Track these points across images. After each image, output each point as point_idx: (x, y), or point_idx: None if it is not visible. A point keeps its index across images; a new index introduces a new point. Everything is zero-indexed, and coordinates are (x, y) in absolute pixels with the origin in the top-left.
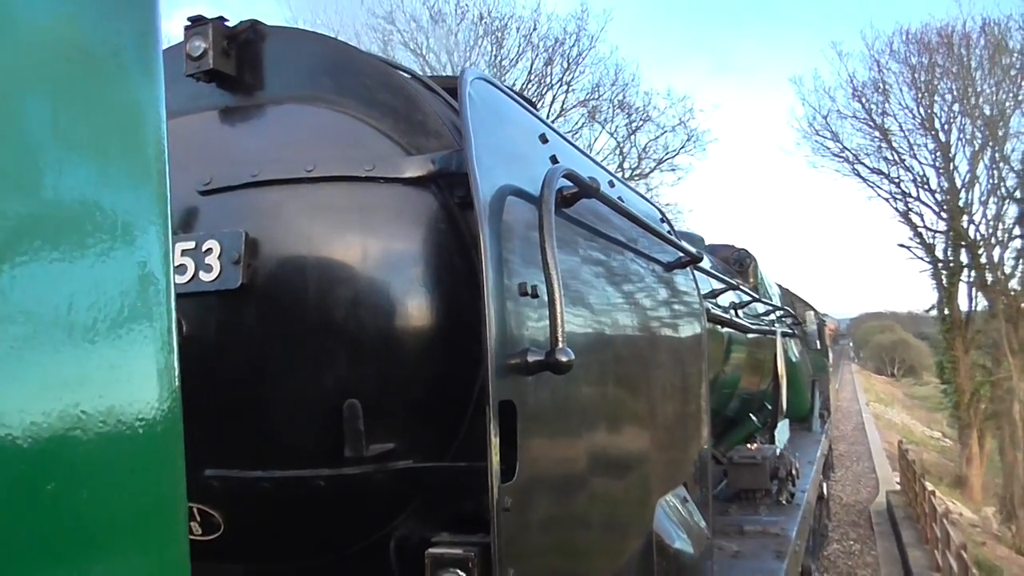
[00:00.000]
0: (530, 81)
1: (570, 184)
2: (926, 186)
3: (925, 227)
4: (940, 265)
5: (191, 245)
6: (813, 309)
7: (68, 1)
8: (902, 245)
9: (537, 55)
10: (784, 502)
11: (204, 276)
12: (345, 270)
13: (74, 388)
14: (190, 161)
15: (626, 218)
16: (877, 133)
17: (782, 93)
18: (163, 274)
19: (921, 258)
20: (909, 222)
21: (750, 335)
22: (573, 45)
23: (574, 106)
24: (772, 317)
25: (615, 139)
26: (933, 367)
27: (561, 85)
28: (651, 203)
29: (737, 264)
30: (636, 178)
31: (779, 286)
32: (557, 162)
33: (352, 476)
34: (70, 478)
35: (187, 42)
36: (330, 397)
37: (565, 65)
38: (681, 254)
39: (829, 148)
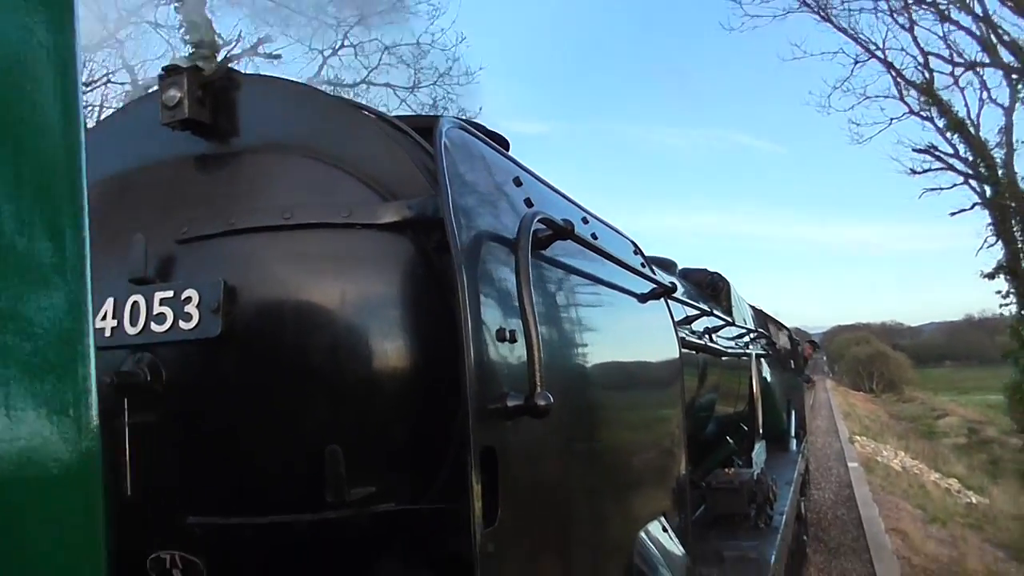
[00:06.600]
0: None
1: (544, 227)
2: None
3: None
4: (1005, 182)
5: (170, 294)
6: (787, 329)
7: None
8: (919, 149)
9: None
10: (763, 525)
11: (184, 325)
12: (323, 316)
13: None
14: (166, 209)
15: (599, 255)
16: None
17: None
18: (81, 318)
19: (952, 166)
20: (930, 95)
21: (725, 358)
22: None
23: None
24: (746, 339)
25: None
26: (917, 382)
27: None
28: (624, 236)
29: (710, 288)
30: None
31: (752, 308)
32: (531, 204)
33: (334, 520)
34: None
35: (162, 91)
36: (311, 442)
37: None
38: (654, 285)
39: None
